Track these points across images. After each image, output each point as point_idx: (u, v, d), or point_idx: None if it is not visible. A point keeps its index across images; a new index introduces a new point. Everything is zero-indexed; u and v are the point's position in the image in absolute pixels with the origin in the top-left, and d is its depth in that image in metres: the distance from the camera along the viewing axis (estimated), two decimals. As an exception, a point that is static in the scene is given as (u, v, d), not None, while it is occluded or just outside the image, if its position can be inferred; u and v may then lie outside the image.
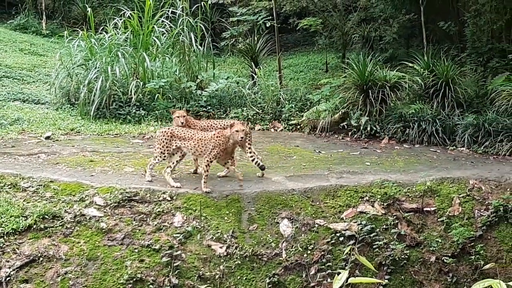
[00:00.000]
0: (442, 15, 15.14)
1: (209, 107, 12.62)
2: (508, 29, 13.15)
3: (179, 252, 7.27)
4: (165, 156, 8.17)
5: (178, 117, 8.66)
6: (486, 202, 8.36)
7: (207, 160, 7.92)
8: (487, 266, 7.23)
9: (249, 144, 8.59)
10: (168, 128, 8.29)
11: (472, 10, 13.16)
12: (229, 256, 7.40)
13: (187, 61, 13.59)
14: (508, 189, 8.53)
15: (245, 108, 12.51)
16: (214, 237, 7.52)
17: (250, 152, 8.57)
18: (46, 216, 7.35)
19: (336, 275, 2.93)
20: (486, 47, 13.05)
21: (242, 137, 7.80)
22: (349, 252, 7.17)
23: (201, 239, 7.49)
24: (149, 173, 8.24)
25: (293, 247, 7.58)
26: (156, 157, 8.20)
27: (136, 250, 7.25)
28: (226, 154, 8.12)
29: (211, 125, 8.85)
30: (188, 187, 8.08)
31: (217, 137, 7.95)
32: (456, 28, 14.06)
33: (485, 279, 3.02)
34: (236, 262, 7.35)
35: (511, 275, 7.80)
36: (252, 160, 8.55)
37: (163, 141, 8.14)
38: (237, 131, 7.80)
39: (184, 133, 8.18)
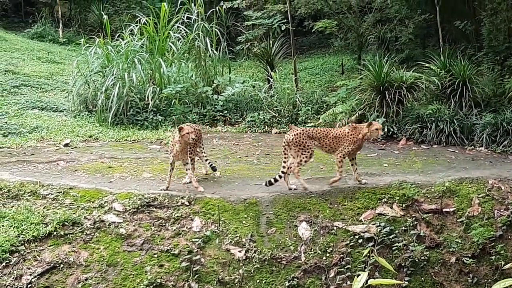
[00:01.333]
0: (458, 14, 15.05)
1: (226, 112, 12.66)
2: (525, 27, 13.06)
3: (198, 257, 7.28)
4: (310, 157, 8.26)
5: (188, 133, 8.10)
6: (506, 202, 8.27)
7: (340, 156, 8.22)
8: (507, 266, 7.16)
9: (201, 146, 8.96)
10: (303, 129, 8.34)
11: (488, 9, 13.06)
12: (248, 260, 7.40)
13: (203, 66, 13.65)
14: (528, 189, 8.45)
15: (261, 112, 12.54)
16: (233, 241, 7.52)
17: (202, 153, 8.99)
18: (66, 223, 7.41)
19: (356, 277, 2.93)
20: (503, 45, 12.94)
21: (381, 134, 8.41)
22: (368, 254, 7.15)
23: (219, 243, 7.50)
24: (293, 182, 8.29)
25: (312, 250, 7.56)
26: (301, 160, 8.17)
27: (156, 255, 7.27)
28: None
29: None
30: (206, 191, 8.11)
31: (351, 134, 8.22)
32: (472, 27, 13.96)
33: (506, 279, 3.00)
34: (255, 266, 7.34)
35: (532, 275, 7.71)
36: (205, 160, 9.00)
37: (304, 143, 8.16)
38: (376, 129, 8.19)
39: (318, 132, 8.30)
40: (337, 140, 8.27)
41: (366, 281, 2.99)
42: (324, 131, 8.33)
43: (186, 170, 8.38)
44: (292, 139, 8.12)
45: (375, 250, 7.46)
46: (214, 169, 8.94)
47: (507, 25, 12.88)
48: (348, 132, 8.24)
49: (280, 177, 8.17)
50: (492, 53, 13.10)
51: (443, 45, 13.79)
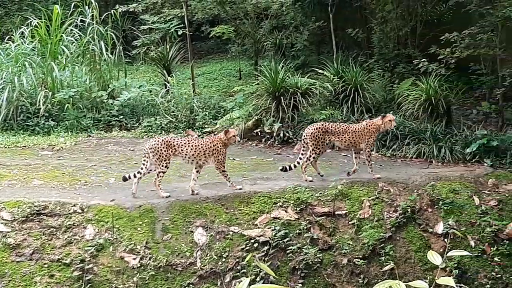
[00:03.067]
0: (350, 22, 15.52)
1: (122, 117, 12.44)
2: (413, 35, 13.63)
3: (90, 266, 7.13)
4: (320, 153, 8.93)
5: (234, 136, 8.53)
6: (395, 204, 8.60)
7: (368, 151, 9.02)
8: (387, 268, 7.45)
9: None
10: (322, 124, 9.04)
11: (378, 17, 13.56)
12: (142, 267, 7.31)
13: (97, 70, 13.37)
14: (415, 191, 8.82)
15: (158, 117, 12.40)
16: (127, 249, 7.41)
17: None
18: (-51, 234, 7.04)
19: (238, 283, 2.94)
20: (393, 53, 13.48)
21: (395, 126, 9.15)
22: (249, 259, 7.25)
23: (113, 251, 7.37)
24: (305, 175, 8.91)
25: (208, 255, 7.56)
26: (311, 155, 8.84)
27: (46, 265, 7.05)
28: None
29: None
30: (100, 198, 7.94)
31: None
32: (364, 35, 14.44)
33: (387, 280, 3.11)
34: (150, 273, 7.26)
35: (419, 274, 8.05)
36: None
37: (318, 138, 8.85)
38: (390, 120, 8.93)
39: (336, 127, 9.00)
40: (356, 135, 8.97)
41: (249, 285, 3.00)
42: (343, 126, 9.13)
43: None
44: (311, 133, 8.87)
45: (257, 255, 7.55)
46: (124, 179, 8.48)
47: (396, 33, 13.42)
48: (364, 126, 9.02)
49: (295, 166, 8.95)
50: (382, 60, 13.61)
51: (336, 52, 14.16)
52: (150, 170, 8.24)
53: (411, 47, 13.42)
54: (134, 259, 7.35)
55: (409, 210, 8.48)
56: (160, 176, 8.12)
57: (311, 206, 8.34)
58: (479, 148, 9.94)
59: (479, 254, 8.39)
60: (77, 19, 13.84)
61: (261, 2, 14.81)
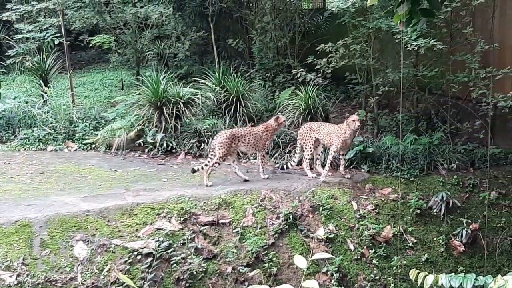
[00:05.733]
0: (231, 32, 15.73)
1: (-4, 129, 11.90)
2: (292, 46, 13.98)
3: (-38, 286, 6.75)
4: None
5: (353, 120, 9.42)
6: (277, 211, 8.76)
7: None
8: (253, 274, 7.65)
9: None
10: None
11: (258, 28, 13.79)
12: (20, 284, 7.00)
13: (-31, 81, 12.71)
14: (296, 198, 9.03)
15: (35, 129, 11.94)
16: (3, 266, 7.09)
17: None
18: None
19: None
20: (273, 63, 13.75)
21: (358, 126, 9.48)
22: (109, 270, 7.16)
23: (-12, 269, 7.01)
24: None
25: (89, 269, 7.36)
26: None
27: None
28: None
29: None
30: None
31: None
32: (244, 45, 14.65)
33: (280, 285, 3.18)
34: (28, 291, 6.97)
35: (302, 279, 8.22)
36: None
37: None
38: (353, 120, 9.38)
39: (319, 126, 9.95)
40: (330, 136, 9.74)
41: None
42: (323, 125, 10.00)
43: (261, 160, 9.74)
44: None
45: (116, 267, 7.45)
46: None
47: (276, 43, 13.70)
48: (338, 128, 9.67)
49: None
50: (263, 70, 13.85)
51: (218, 62, 14.28)
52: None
53: (290, 58, 13.76)
54: (11, 276, 7.03)
55: (291, 216, 8.67)
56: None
57: (195, 216, 8.34)
58: (356, 155, 10.33)
59: (359, 257, 8.71)
60: None
61: (140, 11, 14.66)
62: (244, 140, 9.51)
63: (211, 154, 9.47)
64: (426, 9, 5.47)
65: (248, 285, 7.92)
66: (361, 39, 11.31)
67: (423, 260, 9.00)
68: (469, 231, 9.26)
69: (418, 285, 5.20)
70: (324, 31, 14.60)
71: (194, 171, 9.40)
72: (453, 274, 5.14)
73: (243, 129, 9.79)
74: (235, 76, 12.63)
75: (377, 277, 8.65)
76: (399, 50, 10.57)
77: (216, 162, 9.32)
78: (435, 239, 9.26)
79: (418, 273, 5.23)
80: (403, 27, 5.49)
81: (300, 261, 3.41)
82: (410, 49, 10.27)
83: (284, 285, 3.07)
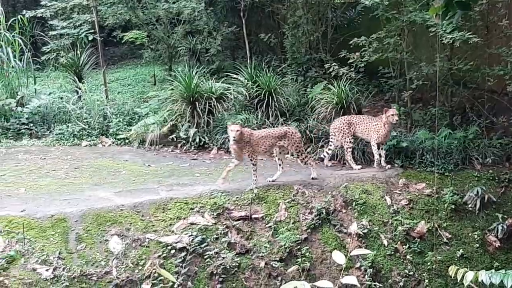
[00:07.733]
0: (263, 27, 15.67)
1: (32, 125, 12.07)
2: (324, 40, 13.87)
3: (1, 279, 6.89)
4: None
5: (231, 130, 8.81)
6: (310, 206, 8.74)
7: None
8: (290, 270, 7.63)
9: None
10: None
11: (290, 22, 13.72)
12: (56, 278, 7.11)
13: (5, 77, 12.89)
14: (329, 192, 8.99)
15: (70, 124, 12.10)
16: (40, 260, 7.20)
17: None
18: None
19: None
20: (305, 57, 13.66)
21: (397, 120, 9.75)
22: (151, 265, 7.22)
23: (25, 263, 7.15)
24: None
25: (124, 263, 7.44)
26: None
27: (-47, 281, 6.74)
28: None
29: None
30: (10, 209, 7.67)
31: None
32: (276, 40, 14.60)
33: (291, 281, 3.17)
34: (64, 284, 7.07)
35: (335, 274, 8.21)
36: None
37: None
38: (392, 114, 9.60)
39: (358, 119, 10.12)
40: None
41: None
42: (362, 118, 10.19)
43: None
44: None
45: (158, 262, 7.51)
46: None
47: (308, 38, 13.61)
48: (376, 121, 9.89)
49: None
50: (295, 65, 13.77)
51: (250, 57, 14.25)
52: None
53: (322, 52, 13.66)
54: (47, 270, 7.14)
55: (324, 211, 8.64)
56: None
57: (228, 211, 8.37)
58: (389, 149, 10.24)
59: (392, 252, 8.65)
60: (-19, 26, 13.34)
61: (172, 7, 14.70)
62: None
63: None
64: (462, 1, 5.38)
65: (281, 280, 7.92)
66: (394, 32, 11.17)
67: (458, 255, 8.91)
68: (505, 226, 9.13)
69: (457, 281, 5.14)
70: (356, 24, 14.45)
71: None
72: (493, 270, 5.04)
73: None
74: (267, 71, 12.59)
75: (411, 273, 8.58)
76: (433, 43, 10.45)
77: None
78: (470, 234, 9.15)
79: (458, 269, 5.16)
80: (439, 20, 5.40)
81: (339, 257, 3.38)
82: (444, 42, 10.13)
83: (322, 281, 3.05)
